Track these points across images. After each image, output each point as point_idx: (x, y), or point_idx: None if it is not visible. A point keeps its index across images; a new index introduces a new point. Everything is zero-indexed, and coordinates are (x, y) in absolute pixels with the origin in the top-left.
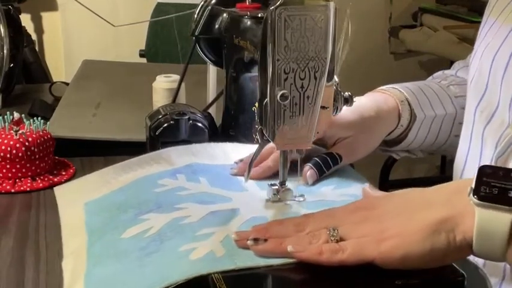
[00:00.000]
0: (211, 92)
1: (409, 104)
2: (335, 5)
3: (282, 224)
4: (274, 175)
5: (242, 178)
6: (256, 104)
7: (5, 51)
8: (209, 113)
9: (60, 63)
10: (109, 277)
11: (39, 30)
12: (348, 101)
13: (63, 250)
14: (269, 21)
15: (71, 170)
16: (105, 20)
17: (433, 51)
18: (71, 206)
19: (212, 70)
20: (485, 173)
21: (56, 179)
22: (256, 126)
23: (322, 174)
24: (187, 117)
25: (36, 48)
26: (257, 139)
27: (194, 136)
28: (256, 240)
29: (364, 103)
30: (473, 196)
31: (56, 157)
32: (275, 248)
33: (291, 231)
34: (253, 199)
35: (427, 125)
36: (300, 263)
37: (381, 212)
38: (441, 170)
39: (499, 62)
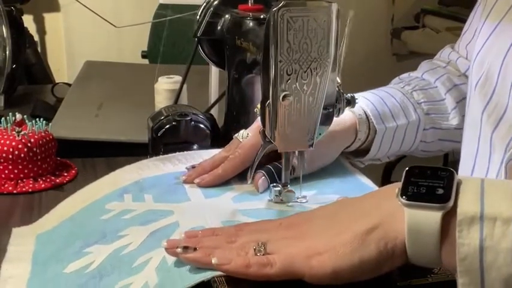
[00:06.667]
0: (213, 93)
1: (367, 117)
2: (337, 6)
3: (215, 233)
4: (223, 183)
5: (188, 186)
6: (259, 106)
7: (7, 52)
8: (211, 114)
9: (63, 64)
10: None
11: (41, 31)
12: (351, 102)
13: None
14: (271, 23)
15: (73, 171)
16: (107, 21)
17: (435, 52)
18: (23, 236)
19: (214, 71)
20: (412, 173)
21: (58, 180)
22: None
23: (273, 183)
24: (189, 118)
25: (39, 49)
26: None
27: (196, 137)
28: (186, 248)
29: None
30: (401, 197)
31: (58, 158)
32: (203, 258)
33: (222, 243)
34: (195, 209)
35: (390, 136)
36: None
37: (312, 227)
38: None
39: (509, 65)
